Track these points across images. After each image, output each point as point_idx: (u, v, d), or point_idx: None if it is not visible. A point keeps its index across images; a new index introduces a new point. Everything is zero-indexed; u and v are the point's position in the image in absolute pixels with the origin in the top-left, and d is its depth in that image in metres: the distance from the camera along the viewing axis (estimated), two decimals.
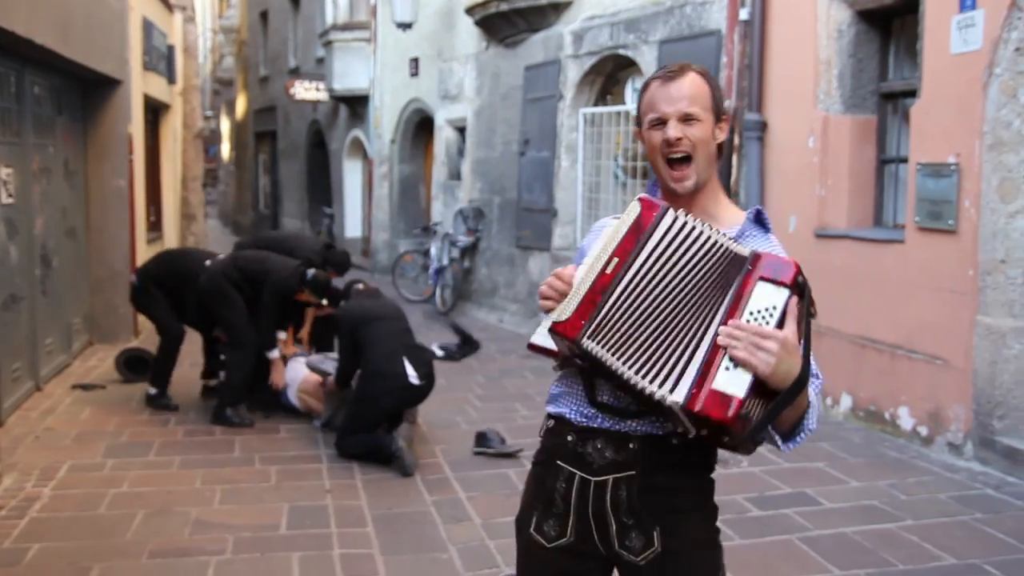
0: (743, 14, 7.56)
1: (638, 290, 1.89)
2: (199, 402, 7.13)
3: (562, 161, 10.23)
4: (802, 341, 1.87)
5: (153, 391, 7.05)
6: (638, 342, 1.88)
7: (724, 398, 1.79)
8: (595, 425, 2.04)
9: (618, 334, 1.89)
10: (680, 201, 2.06)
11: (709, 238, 1.91)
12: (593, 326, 1.89)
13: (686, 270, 1.90)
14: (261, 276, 6.77)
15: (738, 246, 1.93)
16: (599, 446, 2.03)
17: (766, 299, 1.86)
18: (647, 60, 8.81)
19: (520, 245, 10.97)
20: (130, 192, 9.55)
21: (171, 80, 12.50)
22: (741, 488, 5.17)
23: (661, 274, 1.90)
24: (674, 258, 1.90)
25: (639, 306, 1.89)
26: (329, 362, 6.67)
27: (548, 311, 1.97)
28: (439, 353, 8.96)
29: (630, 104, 9.63)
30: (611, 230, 1.97)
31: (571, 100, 10.11)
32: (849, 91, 6.85)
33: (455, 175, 13.19)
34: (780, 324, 1.84)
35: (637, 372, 1.87)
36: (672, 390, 1.84)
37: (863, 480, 5.33)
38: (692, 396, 1.81)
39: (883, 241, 6.34)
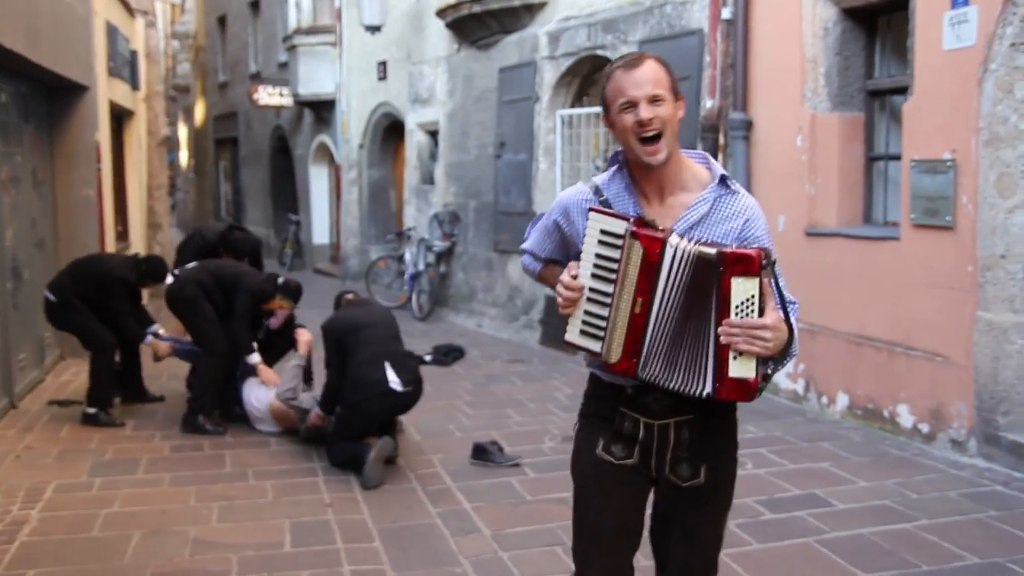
0: (725, 13, 7.52)
1: (662, 319, 2.27)
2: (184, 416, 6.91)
3: (540, 163, 10.14)
4: (775, 295, 2.23)
5: (91, 410, 6.73)
6: (675, 360, 2.28)
7: (741, 382, 2.21)
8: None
9: (660, 359, 2.29)
10: (652, 171, 2.36)
11: (690, 252, 2.22)
12: (642, 361, 2.30)
13: (685, 287, 2.23)
14: (233, 282, 6.68)
15: (705, 248, 2.23)
16: (657, 396, 2.38)
17: (744, 291, 2.17)
18: None
19: (498, 249, 10.86)
20: (99, 202, 9.30)
21: (135, 86, 12.23)
22: (749, 491, 5.11)
23: (673, 299, 2.25)
24: (678, 283, 2.24)
25: (666, 331, 2.27)
26: (305, 397, 6.38)
27: (569, 314, 2.36)
28: (427, 358, 8.82)
29: None
30: (617, 257, 2.28)
31: (548, 102, 10.03)
32: (836, 89, 6.83)
33: (428, 179, 13.05)
34: (761, 308, 2.17)
35: (682, 382, 2.28)
36: (703, 386, 2.25)
37: (870, 479, 5.30)
38: (718, 388, 2.23)
39: (877, 238, 6.33)
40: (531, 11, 10.21)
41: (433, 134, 12.90)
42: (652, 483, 2.50)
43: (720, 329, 2.18)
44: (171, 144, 35.00)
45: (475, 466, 5.78)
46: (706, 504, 2.47)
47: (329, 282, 16.47)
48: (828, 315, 6.67)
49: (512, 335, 10.40)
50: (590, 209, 2.34)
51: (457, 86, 11.86)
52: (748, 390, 2.20)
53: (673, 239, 2.24)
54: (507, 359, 9.24)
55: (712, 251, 2.20)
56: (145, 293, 7.46)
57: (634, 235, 2.24)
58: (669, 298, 2.24)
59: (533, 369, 8.76)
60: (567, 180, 9.98)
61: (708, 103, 7.73)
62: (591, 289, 2.30)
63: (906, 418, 6.04)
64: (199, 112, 27.10)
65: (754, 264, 2.15)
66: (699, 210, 2.35)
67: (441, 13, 11.27)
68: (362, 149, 15.64)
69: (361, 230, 15.93)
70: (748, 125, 7.40)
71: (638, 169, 2.39)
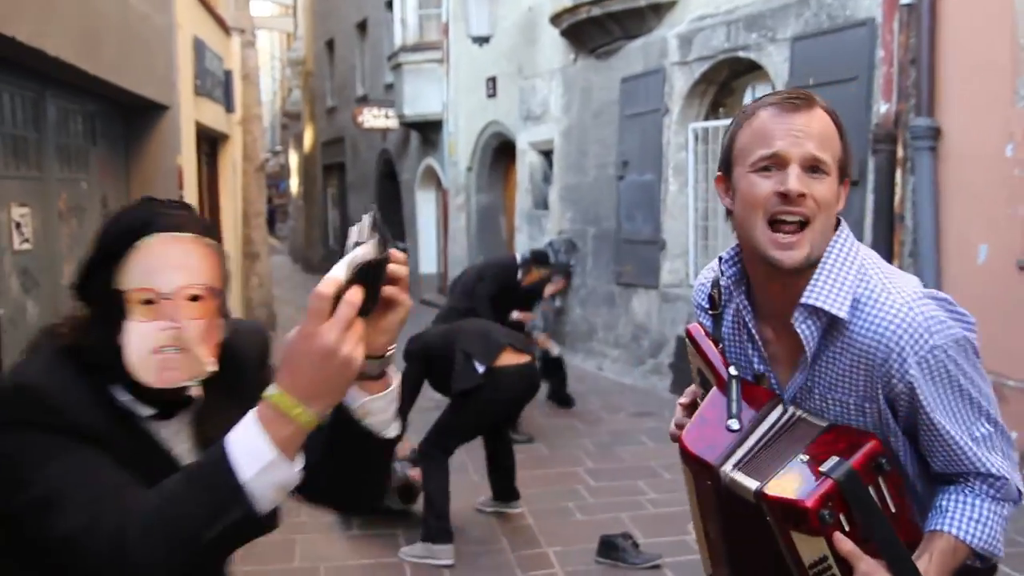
0: None
1: (740, 550, 1.66)
2: None
3: (669, 185, 8.86)
4: (876, 540, 1.44)
5: None
6: None
7: None
8: None
9: None
10: (775, 280, 1.56)
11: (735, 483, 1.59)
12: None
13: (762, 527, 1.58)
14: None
15: (743, 477, 1.53)
16: None
17: (812, 551, 1.46)
18: (775, 62, 7.42)
19: (621, 282, 9.59)
20: None
21: (229, 108, 11.45)
22: None
23: (749, 536, 1.58)
24: (743, 519, 1.60)
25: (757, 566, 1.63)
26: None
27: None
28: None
29: None
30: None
31: (678, 114, 8.75)
32: None
33: (541, 204, 11.91)
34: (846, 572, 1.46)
35: None
36: None
37: None
38: None
39: None
40: (658, 12, 8.97)
41: (547, 154, 11.76)
42: None
43: None
44: (283, 172, 35.04)
45: (603, 566, 4.56)
46: None
47: (435, 314, 15.48)
48: None
49: (637, 380, 9.10)
50: (688, 336, 1.76)
51: (573, 100, 10.69)
52: None
53: (727, 467, 1.55)
54: (633, 411, 7.96)
55: (752, 486, 1.49)
56: None
57: (682, 452, 1.65)
58: (741, 532, 1.61)
59: (665, 425, 7.39)
60: (700, 203, 8.68)
61: (882, 107, 6.34)
62: None
63: None
64: (308, 138, 26.76)
65: (810, 519, 1.43)
66: (808, 345, 1.56)
67: (556, 19, 10.15)
68: (470, 172, 14.61)
69: (469, 259, 14.85)
70: (936, 133, 6.00)
71: (756, 271, 1.60)
